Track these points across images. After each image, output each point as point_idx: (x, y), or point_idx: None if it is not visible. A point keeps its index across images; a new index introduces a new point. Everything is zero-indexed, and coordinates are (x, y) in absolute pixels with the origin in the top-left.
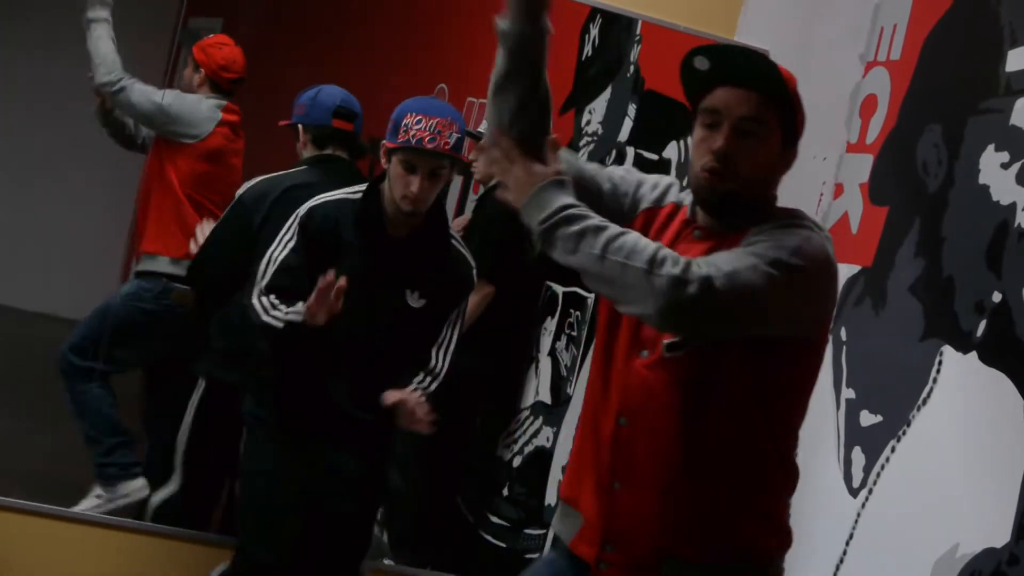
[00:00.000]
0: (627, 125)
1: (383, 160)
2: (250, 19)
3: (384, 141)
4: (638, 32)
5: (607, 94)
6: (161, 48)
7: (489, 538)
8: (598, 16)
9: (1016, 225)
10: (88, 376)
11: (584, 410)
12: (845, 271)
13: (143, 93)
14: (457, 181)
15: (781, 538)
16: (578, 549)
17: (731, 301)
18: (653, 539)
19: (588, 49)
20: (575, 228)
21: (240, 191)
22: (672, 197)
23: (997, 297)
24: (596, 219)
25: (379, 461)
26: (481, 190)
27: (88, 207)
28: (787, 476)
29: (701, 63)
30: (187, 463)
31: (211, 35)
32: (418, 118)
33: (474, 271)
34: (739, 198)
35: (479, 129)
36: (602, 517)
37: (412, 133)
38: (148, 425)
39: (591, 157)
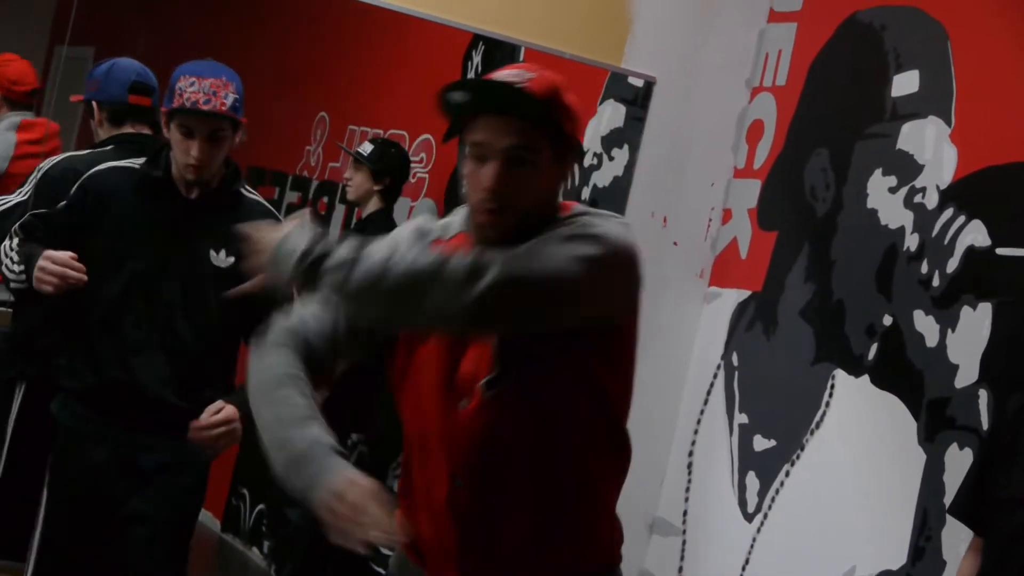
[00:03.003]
0: None
1: (165, 129)
2: (123, 47)
3: (161, 107)
4: (522, 59)
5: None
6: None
7: (381, 571)
8: (480, 43)
9: (905, 248)
10: None
11: (403, 476)
12: (735, 296)
13: None
14: (340, 209)
15: (620, 532)
16: None
17: (536, 281)
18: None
19: (471, 75)
20: (342, 254)
21: (44, 166)
22: (461, 228)
23: (888, 320)
24: (355, 242)
25: (195, 456)
26: (364, 214)
27: None
28: (623, 472)
29: (457, 97)
30: (4, 483)
31: None
32: (191, 80)
33: (280, 217)
34: (520, 228)
35: (358, 150)
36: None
37: (186, 96)
38: None
39: None
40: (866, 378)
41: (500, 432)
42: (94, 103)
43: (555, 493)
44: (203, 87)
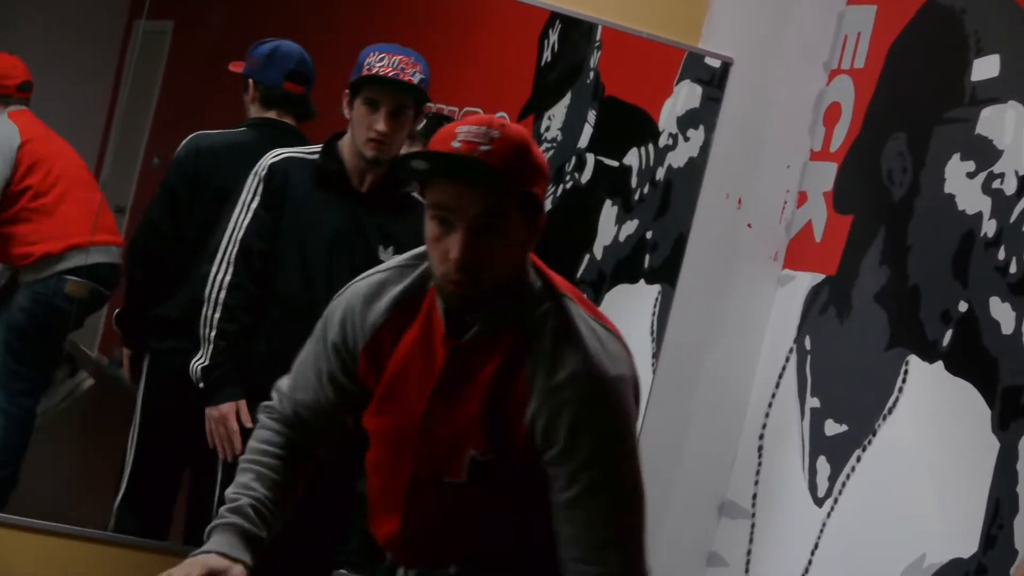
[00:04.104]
0: (587, 131)
1: (346, 110)
2: (202, 22)
3: (348, 86)
4: (598, 38)
5: (567, 100)
6: (112, 53)
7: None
8: (557, 21)
9: (982, 234)
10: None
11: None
12: (809, 280)
13: None
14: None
15: None
16: None
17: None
18: None
19: (547, 55)
20: None
21: (179, 149)
22: (385, 311)
23: (963, 306)
24: None
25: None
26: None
27: None
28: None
29: (419, 165)
30: (137, 459)
31: None
32: (381, 55)
33: None
34: (489, 296)
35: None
36: None
37: (376, 69)
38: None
39: (551, 163)
40: (940, 364)
41: (450, 506)
42: (251, 80)
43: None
44: (392, 62)
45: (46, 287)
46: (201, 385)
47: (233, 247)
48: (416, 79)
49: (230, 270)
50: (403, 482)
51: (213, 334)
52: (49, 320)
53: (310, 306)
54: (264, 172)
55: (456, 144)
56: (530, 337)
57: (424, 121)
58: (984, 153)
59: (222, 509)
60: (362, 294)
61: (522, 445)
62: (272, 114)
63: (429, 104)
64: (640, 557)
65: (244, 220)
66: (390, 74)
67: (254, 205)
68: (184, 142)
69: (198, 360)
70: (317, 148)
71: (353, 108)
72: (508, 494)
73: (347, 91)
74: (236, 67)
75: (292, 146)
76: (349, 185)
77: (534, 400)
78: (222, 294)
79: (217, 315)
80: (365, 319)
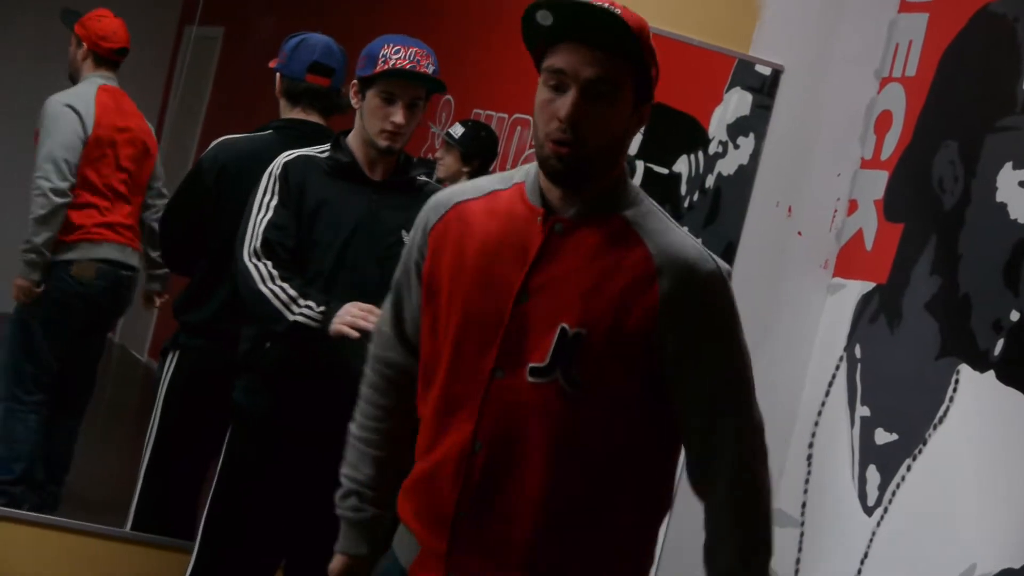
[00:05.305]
0: (636, 139)
1: (354, 100)
2: (252, 28)
3: (357, 77)
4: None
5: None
6: (164, 58)
7: None
8: None
9: None
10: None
11: (422, 433)
12: (859, 288)
13: (56, 166)
14: None
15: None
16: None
17: (761, 437)
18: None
19: None
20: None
21: (204, 155)
22: (519, 179)
23: (1015, 316)
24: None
25: None
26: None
27: None
28: (650, 515)
29: (544, 18)
30: (154, 457)
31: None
32: (396, 47)
33: None
34: (591, 166)
35: (448, 131)
36: (442, 547)
37: (392, 62)
38: (48, 424)
39: None
40: (991, 374)
41: (530, 414)
42: (278, 74)
43: (569, 497)
44: (408, 55)
45: (58, 271)
46: (320, 314)
47: (256, 241)
48: (430, 70)
49: (261, 259)
50: (483, 378)
51: (280, 287)
52: (61, 305)
53: (346, 298)
54: (279, 170)
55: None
56: (634, 221)
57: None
58: None
59: (337, 498)
60: (440, 196)
61: (625, 320)
62: (297, 112)
63: (446, 95)
64: (755, 412)
65: (264, 217)
66: (408, 67)
67: (273, 203)
68: (210, 149)
69: (293, 314)
70: (326, 147)
71: (364, 99)
72: (587, 405)
73: (355, 82)
74: (273, 63)
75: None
76: (363, 176)
77: (663, 279)
78: (263, 265)
79: (276, 274)
80: (440, 213)
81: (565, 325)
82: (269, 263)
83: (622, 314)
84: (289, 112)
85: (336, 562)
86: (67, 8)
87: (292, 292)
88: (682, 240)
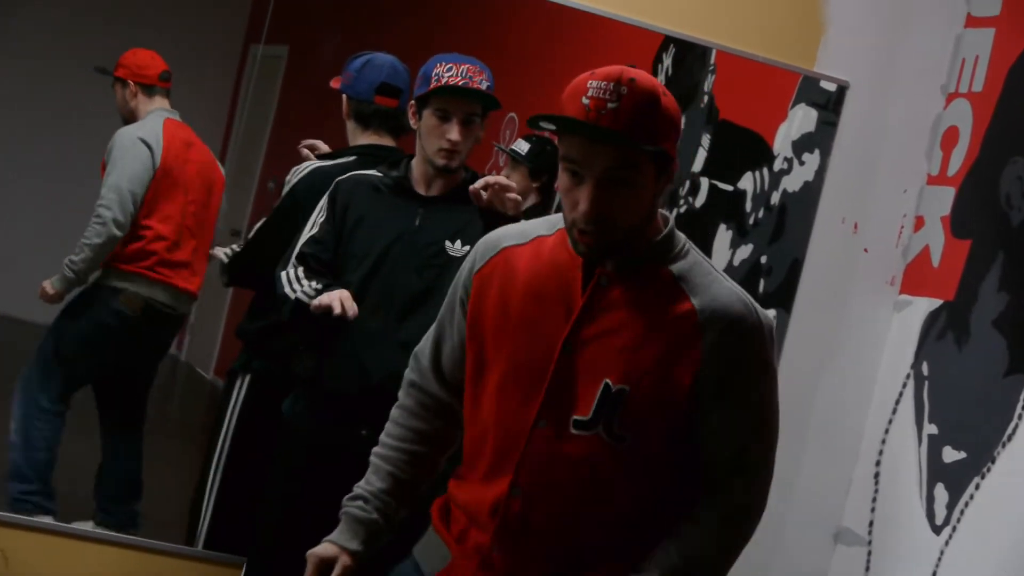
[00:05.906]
0: (701, 155)
1: (412, 120)
2: (317, 47)
3: (414, 98)
4: (712, 62)
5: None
6: (229, 77)
7: None
8: (671, 45)
9: None
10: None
11: (464, 461)
12: (926, 305)
13: (120, 198)
14: None
15: None
16: None
17: (770, 458)
18: None
19: (661, 78)
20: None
21: (292, 179)
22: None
23: None
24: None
25: None
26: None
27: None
28: None
29: (547, 124)
30: (226, 476)
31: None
32: (449, 66)
33: None
34: (621, 244)
35: (513, 148)
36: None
37: (444, 79)
38: (105, 443)
39: None
40: None
41: (570, 463)
42: (344, 96)
43: (601, 538)
44: (461, 71)
45: (105, 293)
46: (315, 291)
47: (294, 252)
48: (484, 86)
49: (293, 266)
50: (525, 428)
51: (295, 278)
52: (99, 328)
53: (375, 308)
54: (332, 190)
55: (585, 100)
56: (679, 275)
57: (526, 145)
58: None
59: (344, 499)
60: (489, 239)
61: (668, 377)
62: (369, 134)
63: (509, 113)
64: (770, 465)
65: (309, 233)
66: (460, 83)
67: (320, 219)
68: (304, 176)
69: (295, 292)
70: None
71: (421, 119)
72: (626, 455)
73: (412, 103)
74: (335, 83)
75: None
76: (412, 191)
77: (707, 334)
78: (294, 269)
79: (300, 274)
80: (486, 258)
81: (609, 381)
82: (300, 268)
83: (665, 371)
84: (361, 134)
85: (321, 547)
86: (97, 66)
87: (300, 275)
88: (728, 293)
